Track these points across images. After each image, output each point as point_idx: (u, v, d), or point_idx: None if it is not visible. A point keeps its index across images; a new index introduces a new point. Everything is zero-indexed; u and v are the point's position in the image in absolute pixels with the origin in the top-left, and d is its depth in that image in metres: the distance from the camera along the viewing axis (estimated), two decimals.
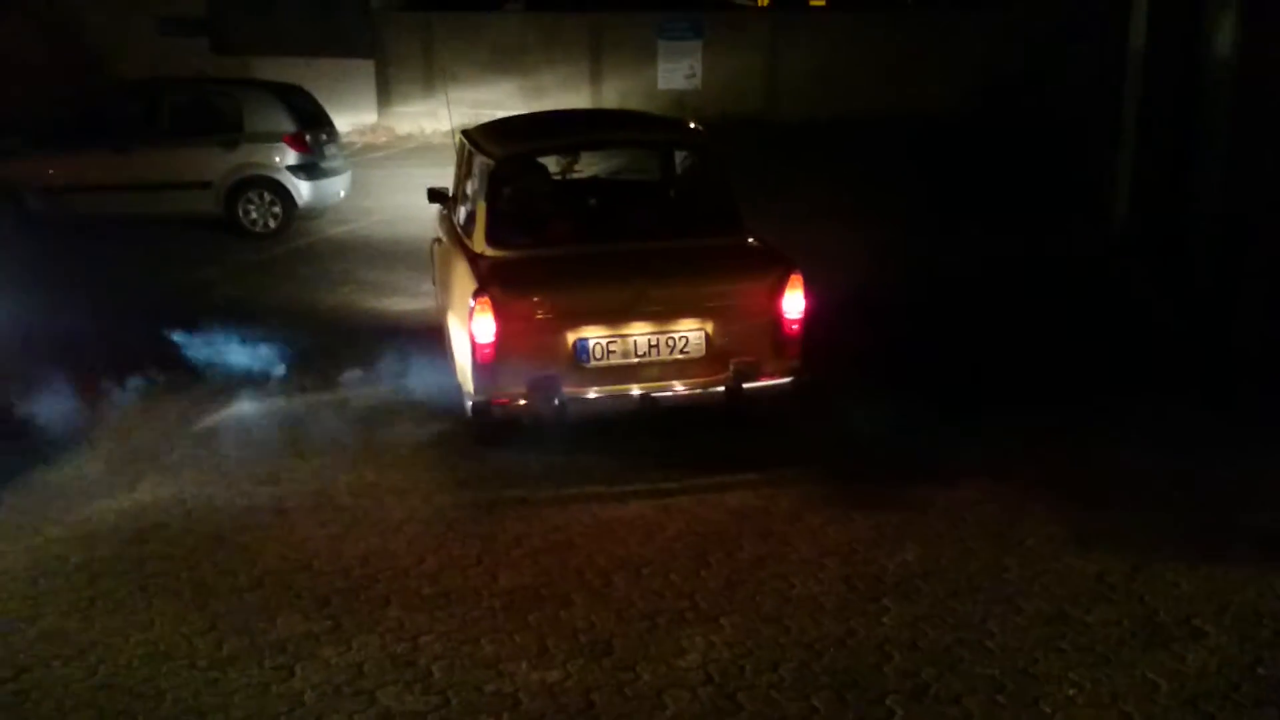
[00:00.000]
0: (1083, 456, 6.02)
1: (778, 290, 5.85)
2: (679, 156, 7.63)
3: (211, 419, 6.70)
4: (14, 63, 19.72)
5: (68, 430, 6.46)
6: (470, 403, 5.91)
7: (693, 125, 7.89)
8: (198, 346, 7.75)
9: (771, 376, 5.91)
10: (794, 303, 5.86)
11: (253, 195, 12.14)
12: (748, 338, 5.88)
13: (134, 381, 7.13)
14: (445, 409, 6.57)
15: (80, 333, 7.79)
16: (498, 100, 20.73)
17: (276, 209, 12.09)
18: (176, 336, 7.88)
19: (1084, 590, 4.64)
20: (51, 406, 6.68)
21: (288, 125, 12.17)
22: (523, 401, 5.76)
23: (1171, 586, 4.66)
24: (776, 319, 5.88)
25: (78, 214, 11.98)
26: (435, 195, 7.63)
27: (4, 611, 4.58)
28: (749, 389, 5.88)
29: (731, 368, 5.84)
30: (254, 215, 12.17)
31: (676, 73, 21.75)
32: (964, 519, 5.28)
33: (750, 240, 6.30)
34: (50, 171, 12.09)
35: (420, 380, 7.11)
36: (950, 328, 8.40)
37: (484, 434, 6.12)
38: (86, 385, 7.02)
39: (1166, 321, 8.29)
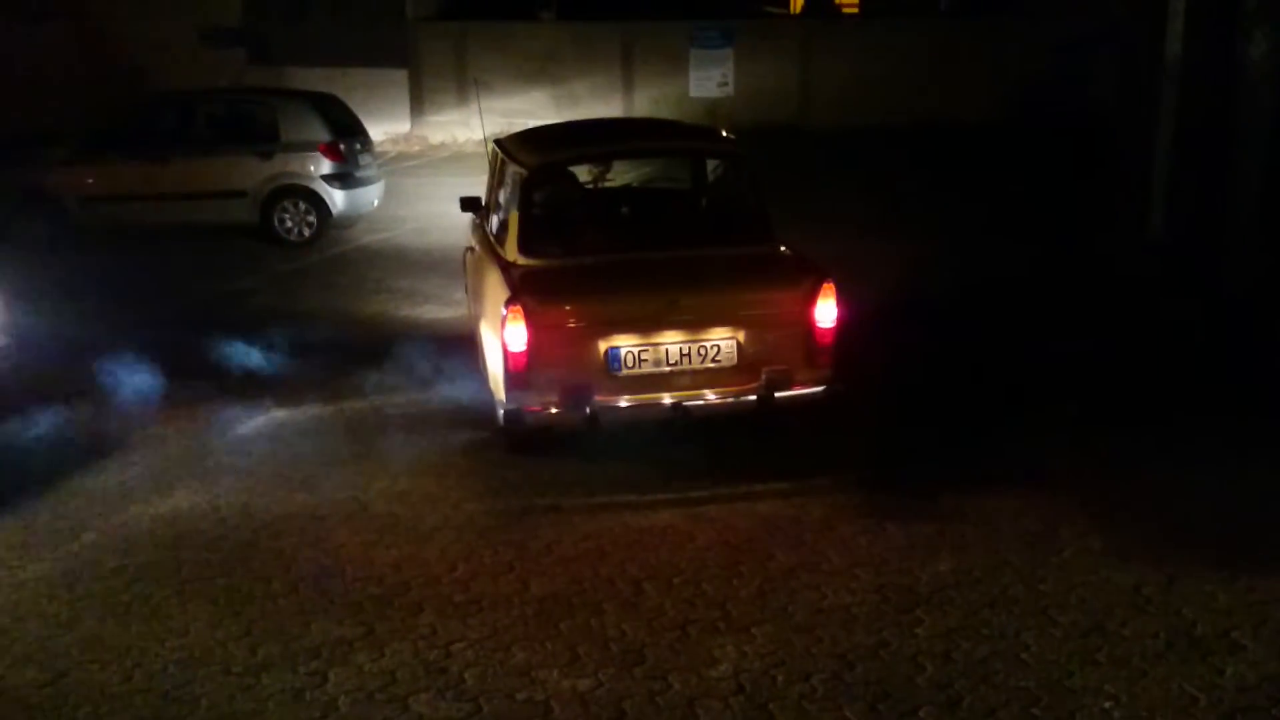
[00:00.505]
0: (1120, 467, 5.95)
1: (810, 299, 5.83)
2: (711, 165, 7.63)
3: (247, 426, 6.76)
4: (54, 73, 20.06)
5: (106, 436, 6.55)
6: (502, 411, 5.94)
7: (724, 133, 7.88)
8: (234, 354, 7.85)
9: (803, 385, 5.89)
10: (826, 312, 5.84)
11: (288, 204, 12.26)
12: (779, 347, 5.86)
13: (171, 388, 7.21)
14: (478, 417, 6.59)
15: (118, 340, 7.88)
16: (530, 109, 20.81)
17: (311, 218, 12.20)
18: (213, 344, 7.97)
19: (1120, 602, 4.59)
20: (90, 413, 6.77)
21: (323, 135, 12.28)
22: (554, 410, 5.77)
23: (1209, 599, 4.60)
24: (808, 328, 5.86)
25: (117, 223, 12.16)
26: (467, 204, 7.68)
27: (43, 615, 4.64)
28: (781, 398, 5.86)
29: (763, 377, 5.83)
30: (289, 224, 12.29)
31: (708, 81, 21.74)
32: (999, 530, 5.24)
33: (782, 249, 6.29)
34: (90, 181, 12.26)
35: (453, 388, 7.16)
36: (985, 336, 8.34)
37: (516, 442, 6.14)
38: (124, 391, 7.11)
39: (1205, 330, 8.19)
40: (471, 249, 7.53)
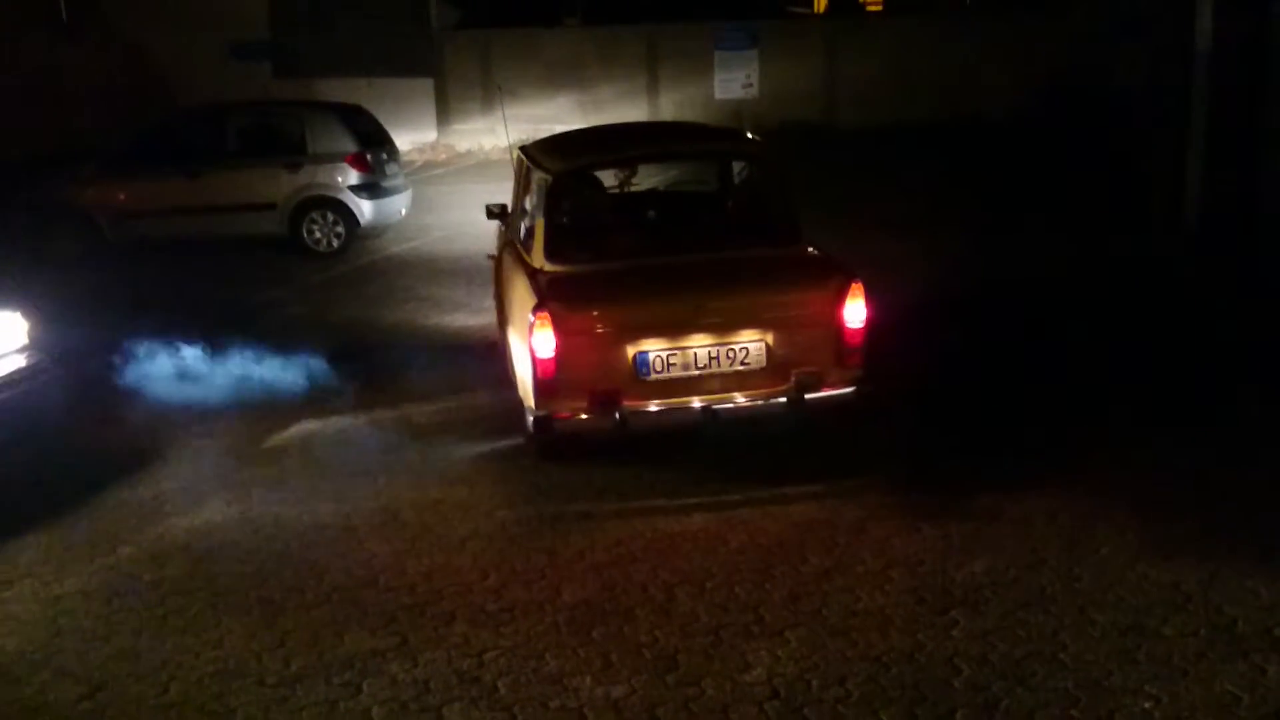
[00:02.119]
0: (1157, 464, 5.87)
1: (839, 300, 5.79)
2: (737, 167, 7.61)
3: (279, 437, 6.80)
4: (85, 89, 20.33)
5: (140, 449, 6.61)
6: (531, 417, 5.93)
7: (750, 135, 7.87)
8: (265, 366, 7.90)
9: (834, 387, 5.85)
10: (855, 313, 5.80)
11: (316, 215, 12.35)
12: (809, 348, 5.82)
13: (204, 400, 7.27)
14: (507, 424, 6.59)
15: (149, 354, 7.96)
16: (555, 115, 20.86)
17: (339, 228, 12.28)
18: (243, 356, 8.03)
19: (1160, 600, 4.52)
20: (124, 425, 6.84)
21: (350, 146, 12.36)
22: (584, 416, 5.76)
23: (1251, 595, 4.52)
24: (838, 329, 5.81)
25: (147, 237, 12.29)
26: (493, 212, 7.69)
27: (79, 629, 4.68)
28: (811, 399, 5.81)
29: (793, 378, 5.79)
30: (317, 235, 12.38)
31: (734, 82, 21.72)
32: (1034, 529, 5.18)
33: (810, 250, 6.25)
34: (121, 196, 12.40)
35: (483, 396, 7.17)
36: (1017, 334, 8.27)
37: (545, 448, 6.13)
38: (157, 404, 7.18)
39: (1240, 326, 8.08)
40: (492, 256, 7.54)
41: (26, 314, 6.48)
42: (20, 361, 6.29)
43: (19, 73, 20.03)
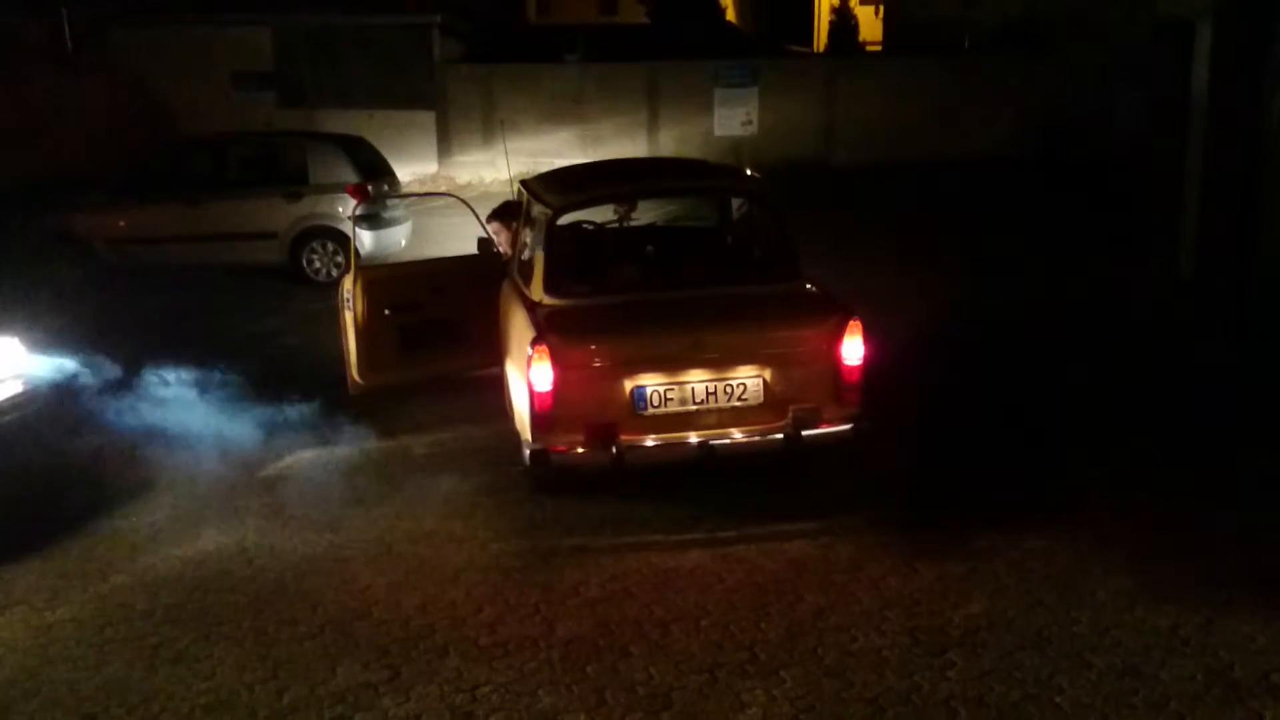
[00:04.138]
0: (1154, 507, 5.86)
1: (836, 337, 5.80)
2: (735, 203, 7.64)
3: (274, 467, 6.78)
4: (87, 116, 20.41)
5: (135, 477, 6.59)
6: (528, 450, 5.92)
7: (749, 172, 7.91)
8: (261, 395, 7.88)
9: (831, 424, 5.85)
10: (853, 350, 5.81)
11: (316, 245, 12.39)
12: (806, 385, 5.83)
13: (199, 428, 7.25)
14: (504, 456, 6.59)
15: (145, 382, 7.94)
16: (555, 149, 20.98)
17: (339, 258, 12.30)
18: (240, 384, 8.02)
19: (1157, 644, 4.51)
20: (119, 454, 6.82)
21: (351, 176, 12.41)
22: (580, 449, 5.75)
23: (1248, 641, 4.51)
24: (836, 366, 5.82)
25: (147, 264, 12.31)
26: (485, 245, 7.72)
27: (70, 657, 4.65)
28: (808, 436, 5.81)
29: (790, 415, 5.79)
30: (317, 264, 12.41)
31: (733, 119, 21.85)
32: (1031, 570, 5.17)
33: (808, 287, 6.27)
34: (121, 223, 12.43)
35: (479, 428, 7.15)
36: (1015, 372, 8.28)
37: (541, 482, 6.12)
38: (152, 432, 7.16)
39: (1237, 371, 8.09)
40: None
41: (23, 340, 6.48)
42: (16, 387, 6.29)
43: (21, 100, 20.12)
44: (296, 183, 12.43)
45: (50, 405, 6.62)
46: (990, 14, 23.17)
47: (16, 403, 6.22)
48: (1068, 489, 6.14)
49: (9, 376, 6.28)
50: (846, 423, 5.88)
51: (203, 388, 7.97)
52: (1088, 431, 7.04)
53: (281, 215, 12.31)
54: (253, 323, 10.65)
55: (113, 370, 8.03)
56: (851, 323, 5.81)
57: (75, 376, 7.71)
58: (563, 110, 21.99)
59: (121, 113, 20.43)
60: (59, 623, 4.95)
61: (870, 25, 27.62)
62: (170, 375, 8.05)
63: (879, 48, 26.91)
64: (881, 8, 27.35)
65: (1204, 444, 6.76)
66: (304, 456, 6.94)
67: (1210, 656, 4.40)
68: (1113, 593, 4.93)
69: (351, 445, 7.10)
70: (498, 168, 21.65)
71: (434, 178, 21.85)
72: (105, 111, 20.56)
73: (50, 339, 7.19)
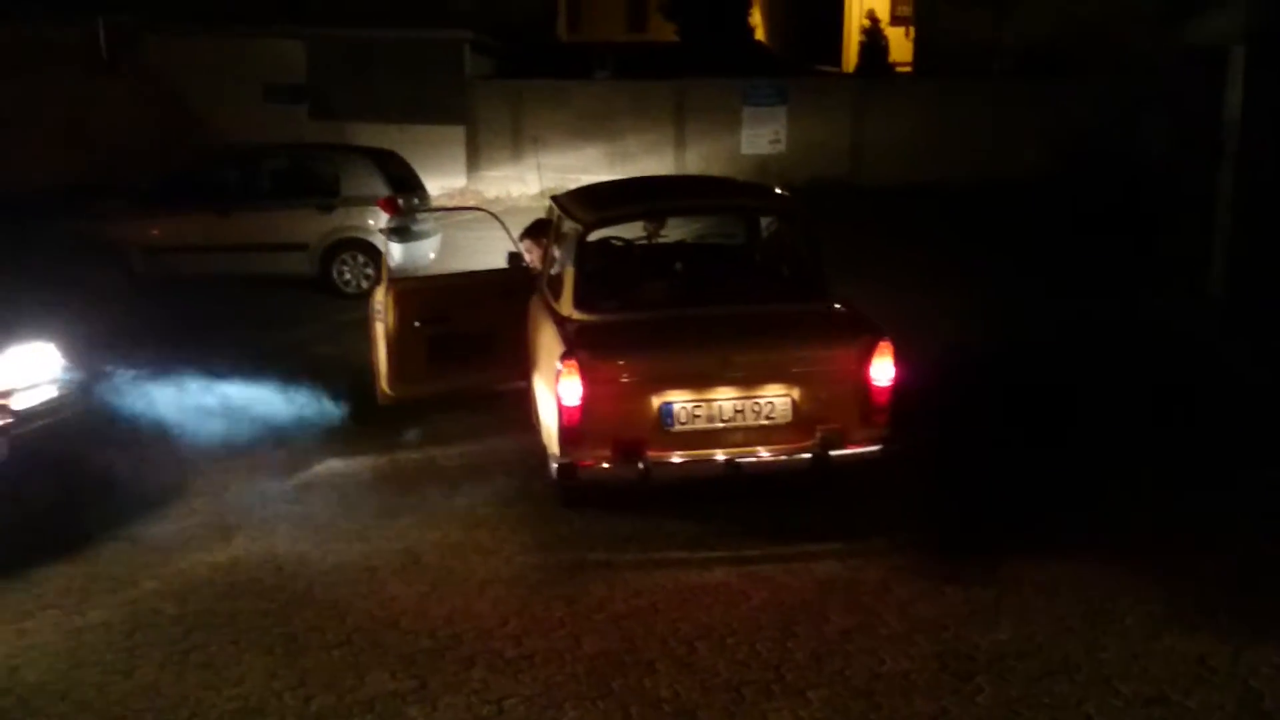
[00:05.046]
0: (1185, 531, 5.83)
1: (866, 357, 5.80)
2: (765, 221, 7.66)
3: (303, 476, 6.83)
4: (122, 126, 20.66)
5: (166, 484, 6.64)
6: (555, 464, 5.94)
7: (779, 190, 7.92)
8: (291, 404, 7.94)
9: (859, 444, 5.84)
10: (883, 370, 5.80)
11: (346, 257, 12.49)
12: (835, 405, 5.83)
13: (230, 436, 7.31)
14: (530, 470, 6.61)
15: (176, 389, 8.02)
16: (583, 165, 21.09)
17: (369, 270, 12.39)
18: (270, 394, 8.08)
19: (1185, 672, 4.47)
20: (149, 460, 6.88)
21: (381, 189, 12.51)
22: (607, 464, 5.77)
23: (1278, 671, 4.47)
24: (865, 387, 5.82)
25: (179, 274, 12.43)
26: (514, 259, 7.77)
27: (101, 662, 4.68)
28: (836, 456, 5.81)
29: (818, 435, 5.79)
30: (347, 276, 12.51)
31: (760, 138, 21.89)
32: (1060, 595, 5.14)
33: (838, 306, 6.28)
34: (154, 233, 12.56)
35: (506, 440, 7.18)
36: (1043, 396, 8.24)
37: (568, 496, 6.14)
38: (183, 439, 7.23)
39: (1274, 392, 8.04)
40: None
41: (59, 345, 6.56)
42: (52, 392, 6.37)
43: (59, 106, 20.42)
44: (328, 195, 12.54)
45: (84, 410, 6.69)
46: (1020, 38, 23.13)
47: (51, 407, 6.30)
48: (1098, 513, 6.11)
49: (44, 381, 6.36)
50: (875, 444, 5.87)
51: (233, 396, 8.04)
52: (1118, 455, 7.00)
53: (313, 227, 12.43)
54: (283, 333, 10.73)
55: (145, 377, 8.11)
56: (882, 343, 5.81)
57: (108, 382, 7.79)
58: (591, 127, 22.10)
59: (155, 121, 20.66)
60: (90, 626, 4.99)
61: (900, 46, 27.62)
62: (201, 383, 8.13)
63: (909, 69, 26.88)
64: (912, 29, 27.33)
65: (1238, 467, 6.72)
66: (333, 466, 6.99)
67: (1240, 686, 4.37)
68: (1142, 620, 4.90)
69: (380, 456, 7.14)
70: (525, 183, 21.82)
71: (462, 192, 21.98)
72: (140, 119, 20.80)
73: (84, 344, 7.26)
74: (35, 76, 20.33)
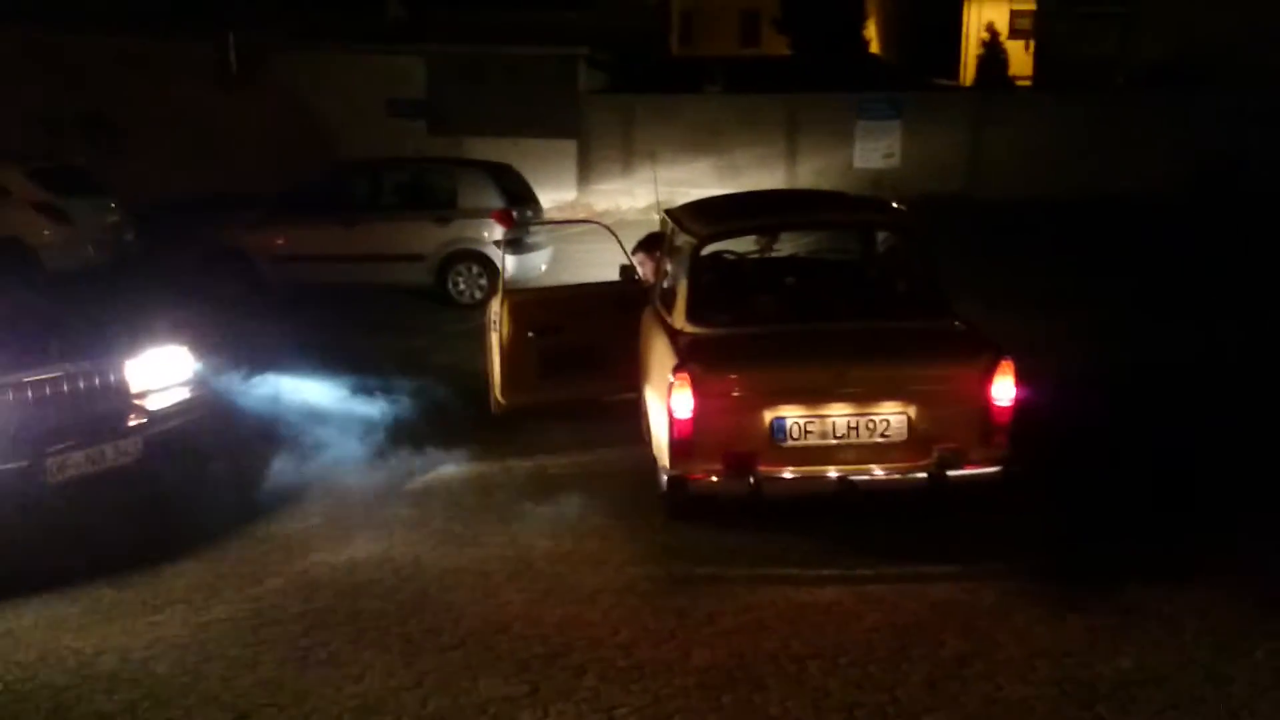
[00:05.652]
0: None
1: (987, 376, 5.68)
2: (880, 236, 7.58)
3: (419, 480, 6.98)
4: (249, 136, 21.46)
5: (290, 485, 6.86)
6: (665, 477, 5.96)
7: (896, 205, 7.83)
8: (407, 410, 8.13)
9: (978, 465, 5.72)
10: (1004, 390, 5.67)
11: (462, 268, 12.74)
12: (953, 424, 5.72)
13: (349, 441, 7.51)
14: (640, 481, 6.63)
15: (300, 394, 8.28)
16: (692, 179, 21.09)
17: (483, 281, 12.63)
18: (388, 400, 8.29)
19: None
20: (275, 462, 7.11)
21: (497, 202, 12.74)
22: (717, 478, 5.76)
23: None
24: (985, 406, 5.70)
25: (302, 281, 12.84)
26: (627, 272, 7.83)
27: (226, 656, 4.85)
28: (954, 477, 5.70)
29: (935, 454, 5.69)
30: (462, 286, 12.76)
31: (874, 152, 21.65)
32: (1185, 626, 4.96)
33: (956, 323, 6.17)
34: (280, 241, 13.00)
35: (615, 452, 7.23)
36: (1167, 420, 7.95)
37: (678, 508, 6.13)
38: (307, 442, 7.45)
39: None
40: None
41: (191, 349, 6.82)
42: (184, 394, 6.62)
43: (191, 120, 21.30)
44: (446, 207, 12.82)
45: (213, 411, 6.95)
46: (1145, 51, 22.47)
47: (183, 408, 6.56)
48: (1221, 542, 5.87)
49: (177, 383, 6.62)
50: (994, 465, 5.75)
51: (353, 402, 8.27)
52: (1250, 483, 6.72)
53: (431, 238, 12.71)
54: (400, 341, 10.98)
55: (271, 381, 8.40)
56: (1004, 362, 5.68)
57: (237, 385, 8.09)
58: (701, 141, 22.13)
59: (282, 134, 21.39)
60: (216, 621, 5.18)
61: (1020, 60, 27.00)
62: (323, 388, 8.38)
63: (1028, 83, 26.28)
64: (1032, 43, 26.72)
65: None
66: (447, 471, 7.13)
67: None
68: (1271, 654, 4.69)
69: (492, 463, 7.26)
70: (635, 196, 21.93)
71: (573, 205, 22.24)
72: (267, 132, 21.57)
73: (214, 349, 7.55)
74: (167, 90, 21.26)
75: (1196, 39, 21.06)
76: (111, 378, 6.17)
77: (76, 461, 5.84)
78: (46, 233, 13.61)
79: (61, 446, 5.78)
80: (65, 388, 5.91)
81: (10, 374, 5.76)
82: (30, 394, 5.78)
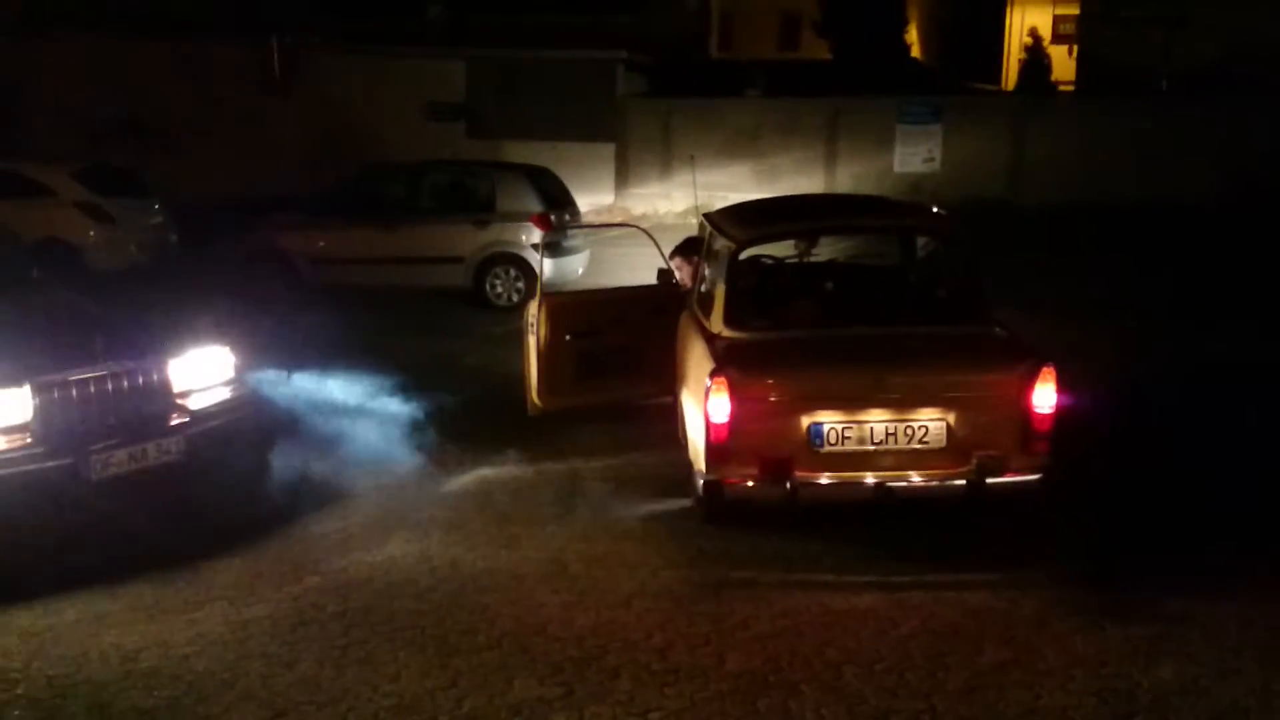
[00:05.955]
0: None
1: (1028, 383, 5.62)
2: (920, 242, 7.52)
3: (455, 482, 7.02)
4: (292, 142, 21.68)
5: (329, 485, 6.91)
6: (701, 481, 5.96)
7: (937, 210, 7.77)
8: (444, 412, 8.17)
9: (1018, 473, 5.67)
10: (1045, 397, 5.61)
11: (499, 271, 12.80)
12: (993, 431, 5.67)
13: (386, 442, 7.56)
14: (676, 485, 6.63)
15: (338, 395, 8.35)
16: (731, 183, 21.03)
17: (520, 284, 12.68)
18: (424, 402, 8.33)
19: None
20: (314, 462, 7.17)
21: (535, 205, 12.78)
22: (753, 483, 5.74)
23: None
24: (1025, 414, 5.63)
25: (341, 283, 12.94)
26: (664, 276, 7.82)
27: (265, 653, 4.89)
28: (993, 484, 5.65)
29: (974, 461, 5.63)
30: (499, 289, 12.82)
31: (914, 156, 21.50)
32: (1227, 636, 4.89)
33: (998, 330, 6.11)
34: (320, 243, 13.12)
35: (652, 455, 7.23)
36: (1212, 429, 7.84)
37: (714, 513, 6.12)
38: (345, 443, 7.51)
39: None
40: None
41: (233, 349, 6.89)
42: (226, 393, 6.68)
43: (230, 122, 21.56)
44: (485, 210, 12.89)
45: (255, 411, 7.01)
46: (1190, 57, 22.17)
47: (225, 408, 6.61)
48: (1265, 552, 5.79)
49: (219, 383, 6.68)
50: (1034, 473, 5.69)
51: (391, 403, 8.32)
52: None
53: (469, 241, 12.78)
54: (438, 344, 11.04)
55: (309, 382, 8.48)
56: (1045, 369, 5.62)
57: (277, 386, 8.17)
58: (740, 145, 22.07)
59: (323, 136, 21.59)
60: (254, 619, 5.22)
61: (1063, 65, 26.72)
62: (362, 389, 8.45)
63: (1071, 88, 26.01)
64: (1075, 47, 26.44)
65: None
66: (483, 473, 7.15)
67: None
68: None
69: (528, 465, 7.28)
70: (672, 200, 21.91)
71: (610, 209, 22.25)
72: (308, 135, 21.78)
73: (256, 349, 7.62)
74: (210, 92, 21.54)
75: (1243, 44, 20.75)
76: (155, 377, 6.24)
77: (119, 460, 5.90)
78: (91, 233, 13.85)
79: (105, 445, 5.85)
80: (109, 386, 5.98)
81: (55, 372, 5.83)
82: (74, 392, 5.86)
